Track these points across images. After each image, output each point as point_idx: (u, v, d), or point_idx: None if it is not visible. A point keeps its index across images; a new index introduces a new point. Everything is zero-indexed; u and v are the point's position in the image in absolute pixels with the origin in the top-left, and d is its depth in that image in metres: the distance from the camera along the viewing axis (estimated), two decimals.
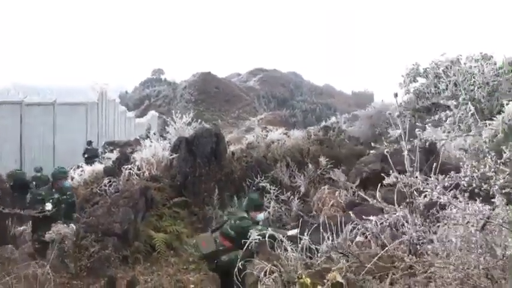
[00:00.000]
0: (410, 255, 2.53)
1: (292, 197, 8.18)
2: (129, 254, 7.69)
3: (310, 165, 9.81)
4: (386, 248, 2.65)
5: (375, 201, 3.15)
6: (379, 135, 13.83)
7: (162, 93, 59.14)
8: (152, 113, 36.64)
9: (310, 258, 3.55)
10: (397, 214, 2.93)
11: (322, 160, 9.82)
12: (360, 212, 4.11)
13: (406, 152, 2.66)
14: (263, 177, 9.37)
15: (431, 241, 2.58)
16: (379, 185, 4.48)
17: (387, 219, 3.03)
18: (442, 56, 11.11)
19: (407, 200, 2.69)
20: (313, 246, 3.43)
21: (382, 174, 5.07)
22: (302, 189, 9.01)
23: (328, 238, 3.43)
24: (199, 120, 12.18)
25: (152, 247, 7.96)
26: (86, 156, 17.68)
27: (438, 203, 2.64)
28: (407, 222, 2.74)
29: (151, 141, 13.36)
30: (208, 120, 21.25)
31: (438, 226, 2.67)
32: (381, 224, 3.03)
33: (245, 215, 5.51)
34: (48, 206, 7.14)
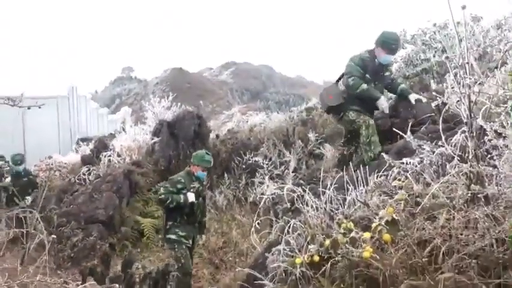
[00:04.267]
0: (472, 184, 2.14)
1: (286, 170, 7.78)
2: (115, 241, 7.16)
3: (299, 142, 9.43)
4: (445, 178, 2.26)
5: (410, 138, 2.76)
6: None
7: (133, 91, 57.89)
8: (125, 108, 35.52)
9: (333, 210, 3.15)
10: (441, 150, 2.55)
11: (311, 136, 9.44)
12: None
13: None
14: (252, 154, 8.93)
15: (495, 167, 2.21)
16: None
17: (428, 156, 2.65)
18: (429, 22, 10.96)
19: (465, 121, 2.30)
20: (338, 197, 3.02)
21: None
22: (292, 163, 8.63)
23: (354, 188, 3.03)
24: (178, 104, 11.61)
25: (140, 233, 7.44)
26: None
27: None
28: (462, 153, 2.35)
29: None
30: None
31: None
32: (420, 162, 2.64)
33: None
34: (191, 197, 5.12)
